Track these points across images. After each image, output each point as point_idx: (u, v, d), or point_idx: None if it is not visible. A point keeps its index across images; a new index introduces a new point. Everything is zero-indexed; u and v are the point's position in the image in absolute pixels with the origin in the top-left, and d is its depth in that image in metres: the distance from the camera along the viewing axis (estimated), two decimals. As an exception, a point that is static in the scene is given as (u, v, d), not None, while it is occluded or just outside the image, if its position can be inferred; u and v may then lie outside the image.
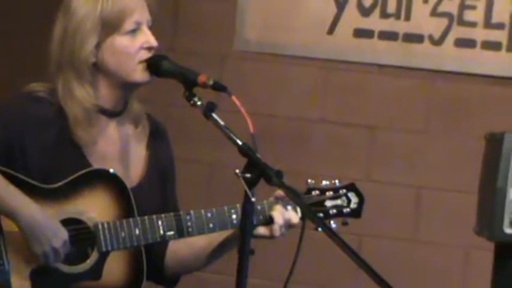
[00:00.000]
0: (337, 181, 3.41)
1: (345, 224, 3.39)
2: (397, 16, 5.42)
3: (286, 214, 3.29)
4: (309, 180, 3.39)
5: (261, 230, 3.28)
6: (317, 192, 3.39)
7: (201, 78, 3.04)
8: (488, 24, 5.36)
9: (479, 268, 4.41)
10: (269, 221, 3.30)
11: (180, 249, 3.47)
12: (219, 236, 3.42)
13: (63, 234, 3.15)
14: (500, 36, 5.34)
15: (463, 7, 5.37)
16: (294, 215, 3.28)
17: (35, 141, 3.24)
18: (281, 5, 5.51)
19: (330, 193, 3.40)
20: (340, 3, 5.44)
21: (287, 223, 3.29)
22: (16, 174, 3.15)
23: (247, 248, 2.81)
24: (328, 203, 3.40)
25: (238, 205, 3.18)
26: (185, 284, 3.45)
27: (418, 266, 5.19)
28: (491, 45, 5.37)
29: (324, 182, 3.41)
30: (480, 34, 5.38)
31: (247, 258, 2.80)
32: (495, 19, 5.35)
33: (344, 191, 3.41)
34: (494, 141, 4.11)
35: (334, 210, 3.39)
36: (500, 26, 5.34)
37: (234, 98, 2.94)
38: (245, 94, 3.09)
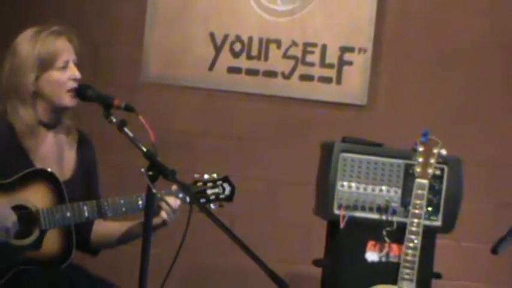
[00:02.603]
0: (215, 175, 3.49)
1: (221, 206, 3.48)
2: (258, 58, 5.55)
3: (174, 201, 3.35)
4: (195, 175, 3.47)
5: (156, 221, 3.25)
6: (200, 183, 3.46)
7: (116, 102, 3.12)
8: (322, 64, 5.52)
9: (318, 237, 4.48)
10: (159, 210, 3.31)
11: (100, 229, 3.51)
12: (128, 225, 3.47)
13: (13, 217, 3.17)
14: (331, 73, 5.51)
15: (305, 52, 5.52)
16: (172, 200, 3.34)
17: None
18: (175, 48, 5.55)
19: (210, 184, 3.47)
20: (218, 48, 5.53)
21: (175, 206, 3.33)
22: None
23: (150, 225, 2.88)
24: (209, 191, 3.45)
25: (143, 194, 3.19)
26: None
27: (276, 238, 5.25)
28: (325, 80, 5.52)
29: (206, 176, 3.49)
30: (317, 71, 5.52)
31: (150, 233, 2.86)
32: (327, 61, 5.51)
33: (220, 182, 3.48)
34: (327, 148, 4.35)
35: (213, 197, 3.46)
36: (331, 66, 5.51)
37: (140, 116, 3.00)
38: (148, 113, 3.08)
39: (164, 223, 3.34)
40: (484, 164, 5.22)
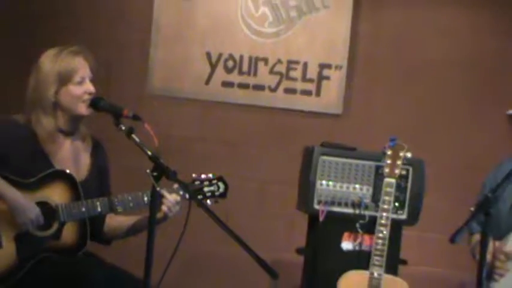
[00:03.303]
0: (211, 175, 3.46)
1: (216, 202, 3.45)
2: (248, 73, 5.55)
3: (175, 197, 3.33)
4: (193, 175, 3.45)
5: (158, 215, 3.23)
6: (198, 182, 3.44)
7: (125, 112, 3.10)
8: (304, 79, 5.53)
9: (300, 229, 4.47)
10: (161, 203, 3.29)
11: (112, 223, 3.51)
12: (135, 219, 3.47)
13: (36, 210, 3.19)
14: (311, 86, 5.52)
15: (288, 68, 5.53)
16: (174, 196, 3.33)
17: (16, 152, 3.25)
18: (175, 65, 5.54)
19: (206, 183, 3.45)
20: (213, 64, 5.53)
21: (174, 201, 3.32)
22: (4, 174, 3.18)
23: (154, 218, 2.87)
24: (206, 189, 3.43)
25: (148, 192, 3.17)
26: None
27: (264, 230, 5.22)
28: (306, 92, 5.53)
29: (203, 176, 3.46)
30: (299, 85, 5.54)
31: (154, 225, 2.85)
32: (308, 76, 5.52)
33: (215, 181, 3.46)
34: (308, 152, 4.34)
35: (209, 194, 3.43)
36: (311, 81, 5.52)
37: (146, 124, 2.99)
38: (153, 122, 3.07)
39: (165, 217, 3.32)
40: (444, 165, 5.22)
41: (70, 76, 3.31)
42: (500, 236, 3.46)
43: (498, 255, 3.38)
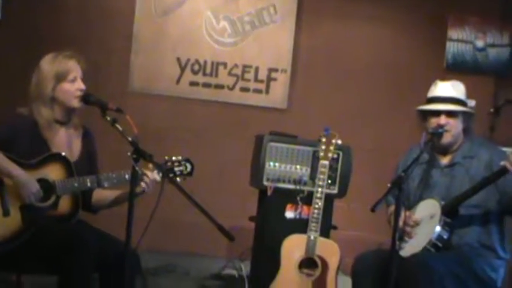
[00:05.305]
0: (180, 157, 3.38)
1: (184, 179, 3.35)
2: (210, 75, 5.53)
3: (151, 175, 3.26)
4: (166, 157, 3.37)
5: (137, 190, 3.15)
6: (169, 163, 3.35)
7: (110, 106, 3.07)
8: (256, 80, 5.53)
9: (252, 201, 4.40)
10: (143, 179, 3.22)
11: (99, 196, 3.45)
12: (118, 192, 3.40)
13: (37, 186, 3.14)
14: (262, 86, 5.54)
15: (243, 72, 5.52)
16: (156, 174, 3.27)
17: (21, 138, 3.20)
18: (152, 68, 5.48)
19: (176, 163, 3.36)
20: (182, 68, 5.49)
21: (153, 180, 3.26)
22: (11, 156, 3.13)
23: (133, 192, 2.86)
24: (176, 169, 3.34)
25: (129, 171, 3.10)
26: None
27: (223, 202, 5.10)
28: (257, 91, 5.54)
29: (173, 158, 3.37)
30: (252, 85, 5.54)
31: (133, 198, 2.83)
32: (259, 78, 5.53)
33: (184, 162, 3.37)
34: (259, 139, 4.31)
35: (179, 172, 3.35)
36: (262, 81, 5.53)
37: (127, 116, 2.96)
38: (133, 113, 3.02)
39: (143, 191, 3.26)
40: (367, 150, 5.24)
41: (65, 75, 3.27)
42: (410, 207, 3.49)
43: (408, 222, 3.40)
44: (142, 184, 3.26)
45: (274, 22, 5.54)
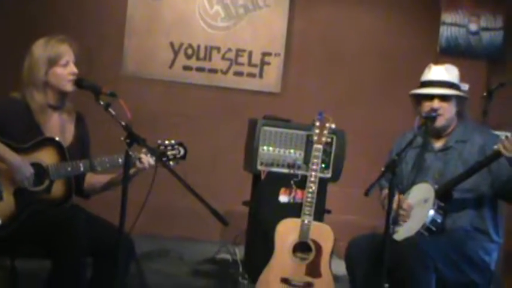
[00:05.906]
0: (173, 141, 3.36)
1: (177, 163, 3.34)
2: (204, 59, 5.54)
3: (146, 158, 3.26)
4: (159, 141, 3.35)
5: (131, 171, 3.14)
6: (163, 147, 3.34)
7: (103, 90, 3.05)
8: (249, 64, 5.54)
9: (246, 186, 4.42)
10: (138, 162, 3.23)
11: (91, 180, 3.45)
12: (110, 177, 3.40)
13: (31, 170, 3.15)
14: (255, 70, 5.56)
15: (237, 56, 5.54)
16: (150, 158, 3.26)
17: (14, 122, 3.19)
18: (145, 52, 5.50)
19: (169, 147, 3.35)
20: (175, 52, 5.51)
21: (148, 163, 3.25)
22: (4, 140, 3.12)
23: (127, 175, 2.84)
24: (169, 153, 3.34)
25: (122, 155, 3.08)
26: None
27: (217, 186, 5.14)
28: (251, 75, 5.56)
29: (166, 142, 3.35)
30: (246, 69, 5.56)
31: (127, 181, 2.81)
32: (253, 62, 5.56)
33: (177, 146, 3.36)
34: (252, 123, 4.34)
35: (172, 156, 3.34)
36: (255, 66, 5.55)
37: (120, 100, 2.95)
38: (126, 97, 2.99)
39: (135, 174, 3.24)
40: (361, 134, 5.23)
41: (57, 60, 3.25)
42: (404, 190, 3.48)
43: (401, 206, 3.40)
44: (139, 164, 3.25)
45: (268, 6, 5.56)
